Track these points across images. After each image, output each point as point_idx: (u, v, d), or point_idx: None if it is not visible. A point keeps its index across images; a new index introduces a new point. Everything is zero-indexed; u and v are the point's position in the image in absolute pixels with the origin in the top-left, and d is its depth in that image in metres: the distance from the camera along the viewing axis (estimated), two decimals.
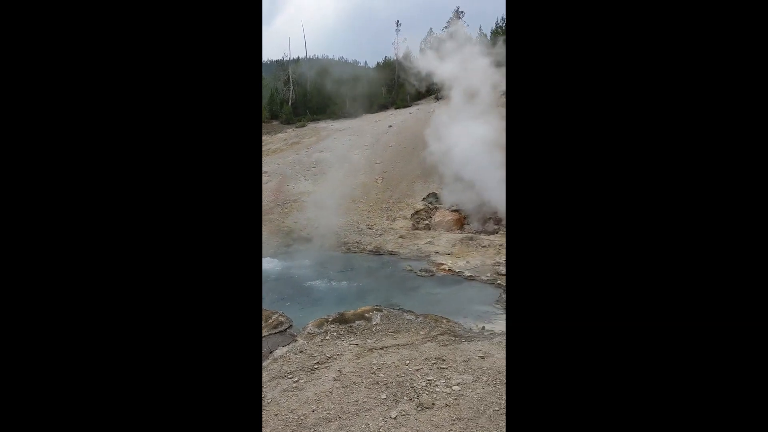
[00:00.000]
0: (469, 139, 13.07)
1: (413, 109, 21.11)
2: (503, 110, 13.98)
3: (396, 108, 22.48)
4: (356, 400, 4.20)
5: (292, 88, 27.06)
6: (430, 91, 19.92)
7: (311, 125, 22.74)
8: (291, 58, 31.09)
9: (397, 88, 25.13)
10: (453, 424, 3.76)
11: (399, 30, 29.77)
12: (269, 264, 9.70)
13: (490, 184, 12.18)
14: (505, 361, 4.83)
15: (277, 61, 30.14)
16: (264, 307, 6.77)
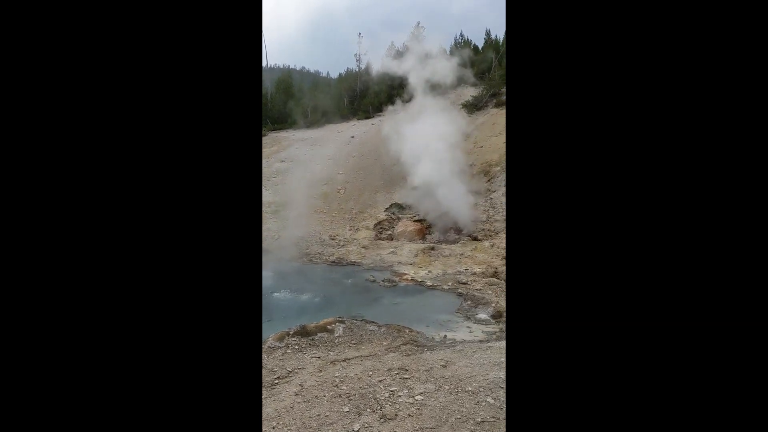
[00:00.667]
0: (428, 151, 13.34)
1: (375, 120, 21.31)
2: (456, 124, 14.42)
3: (358, 119, 22.60)
4: (318, 415, 4.12)
5: None
6: (393, 103, 20.23)
7: (272, 135, 22.41)
8: None
9: (360, 99, 25.30)
10: None
11: (361, 42, 30.13)
12: None
13: (450, 195, 12.46)
14: (466, 369, 4.91)
15: None
16: None
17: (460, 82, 16.43)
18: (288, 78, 29.59)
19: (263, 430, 3.98)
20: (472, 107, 17.77)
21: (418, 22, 23.61)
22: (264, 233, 12.78)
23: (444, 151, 13.21)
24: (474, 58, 23.05)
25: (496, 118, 16.71)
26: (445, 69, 15.25)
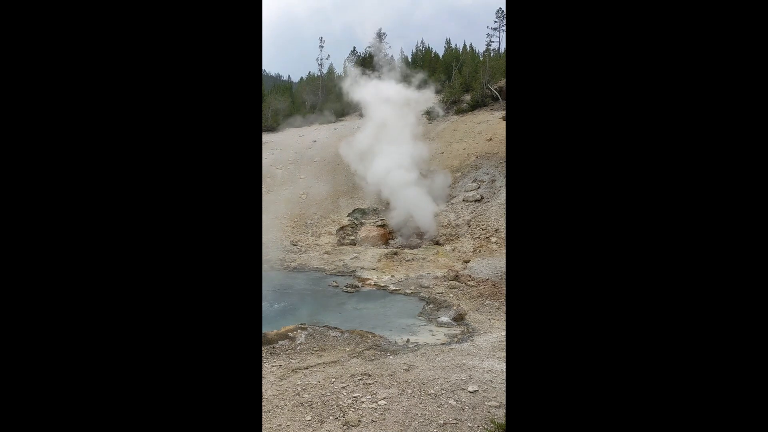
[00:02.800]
0: (390, 157, 13.46)
1: (338, 125, 21.24)
2: (418, 131, 14.64)
3: (320, 123, 22.45)
4: (279, 425, 4.02)
5: None
6: (354, 108, 20.22)
7: None
8: None
9: (321, 103, 25.16)
10: None
11: (323, 47, 30.00)
12: None
13: (412, 200, 12.60)
14: (428, 372, 4.95)
15: None
16: None
17: (422, 88, 16.69)
18: None
19: None
20: (434, 115, 18.12)
21: (380, 29, 23.82)
22: None
23: (406, 156, 13.37)
24: (434, 66, 23.53)
25: (456, 125, 17.10)
26: (409, 74, 15.50)
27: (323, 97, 25.83)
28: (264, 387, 4.74)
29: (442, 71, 22.87)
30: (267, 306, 8.03)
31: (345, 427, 3.96)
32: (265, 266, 10.76)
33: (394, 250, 11.62)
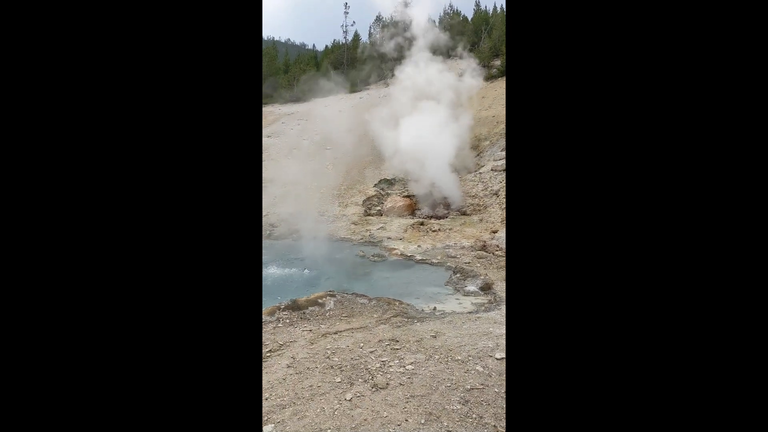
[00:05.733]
0: (418, 126, 13.22)
1: (363, 93, 20.95)
2: (446, 98, 14.23)
3: (346, 93, 22.20)
4: (311, 385, 4.19)
5: None
6: (380, 76, 19.84)
7: None
8: None
9: (347, 71, 24.79)
10: (407, 402, 3.85)
11: (348, 13, 29.26)
12: None
13: (439, 170, 12.43)
14: (455, 339, 5.01)
15: None
16: None
17: (450, 55, 16.14)
18: (272, 51, 28.76)
19: None
20: (463, 80, 17.58)
21: None
22: None
23: (433, 124, 13.11)
24: (463, 30, 22.62)
25: (485, 92, 16.55)
26: (437, 40, 14.99)
27: (348, 65, 25.42)
28: (295, 350, 4.93)
29: (472, 35, 21.98)
30: (296, 273, 8.25)
31: (374, 389, 4.09)
32: (293, 236, 11.00)
33: (421, 220, 11.60)
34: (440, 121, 13.36)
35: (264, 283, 7.68)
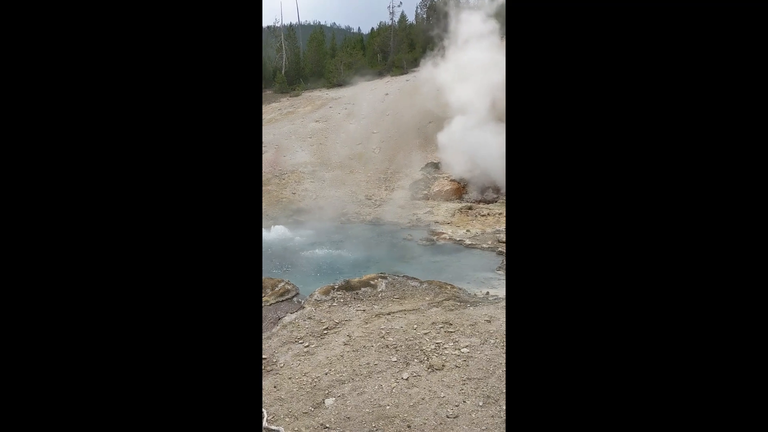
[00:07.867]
0: (467, 107, 12.90)
1: (410, 76, 20.69)
2: (497, 79, 13.70)
3: (392, 75, 22.01)
4: (368, 363, 4.30)
5: (284, 56, 26.28)
6: (428, 57, 19.47)
7: (306, 94, 22.24)
8: (283, 24, 30.05)
9: (394, 54, 24.52)
10: (464, 384, 3.87)
11: None
12: (272, 234, 9.70)
13: (488, 152, 12.10)
14: None
15: (268, 27, 29.14)
16: (269, 275, 6.80)
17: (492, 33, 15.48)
18: (320, 35, 28.91)
19: (316, 375, 4.20)
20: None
21: None
22: (302, 193, 12.99)
23: (482, 104, 12.73)
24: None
25: None
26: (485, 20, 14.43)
27: (396, 47, 25.13)
28: (350, 329, 5.06)
29: None
30: (347, 255, 8.42)
31: (430, 370, 4.13)
32: (341, 219, 11.19)
33: (469, 204, 11.42)
34: (493, 101, 12.94)
35: (314, 263, 7.91)
